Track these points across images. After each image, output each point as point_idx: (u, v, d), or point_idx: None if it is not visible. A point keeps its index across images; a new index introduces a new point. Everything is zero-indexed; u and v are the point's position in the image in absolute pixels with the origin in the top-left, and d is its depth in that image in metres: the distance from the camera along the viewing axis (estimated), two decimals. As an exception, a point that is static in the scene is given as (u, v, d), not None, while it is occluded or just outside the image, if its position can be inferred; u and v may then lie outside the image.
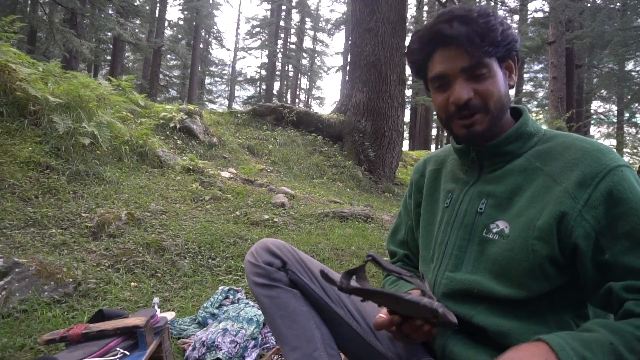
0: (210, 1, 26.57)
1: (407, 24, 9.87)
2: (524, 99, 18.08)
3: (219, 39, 30.26)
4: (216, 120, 7.31)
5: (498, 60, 0.86)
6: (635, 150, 16.80)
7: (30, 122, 3.71)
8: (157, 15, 22.04)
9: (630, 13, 10.30)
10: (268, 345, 1.79)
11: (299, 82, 32.99)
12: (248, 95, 32.06)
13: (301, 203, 4.50)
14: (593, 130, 19.21)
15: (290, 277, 1.03)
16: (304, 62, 31.59)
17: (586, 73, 15.34)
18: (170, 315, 1.69)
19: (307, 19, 30.81)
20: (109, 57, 20.36)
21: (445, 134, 23.73)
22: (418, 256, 1.10)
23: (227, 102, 33.72)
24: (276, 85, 29.26)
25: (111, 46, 19.23)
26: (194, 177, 4.51)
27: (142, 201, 3.47)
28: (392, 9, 7.46)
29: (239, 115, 7.81)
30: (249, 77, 32.64)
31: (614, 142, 17.58)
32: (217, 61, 32.30)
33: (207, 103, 30.45)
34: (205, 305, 2.03)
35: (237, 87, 33.23)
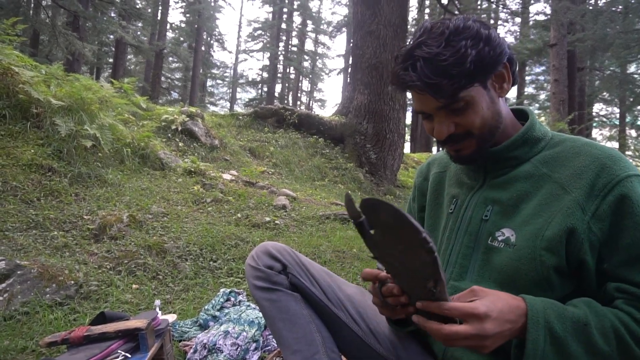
0: (212, 4, 26.66)
1: (409, 27, 9.89)
2: (525, 102, 18.08)
3: (220, 41, 30.36)
4: (218, 122, 7.32)
5: (480, 82, 0.82)
6: (638, 153, 16.76)
7: (33, 125, 3.73)
8: (159, 18, 22.14)
9: (632, 16, 10.30)
10: (269, 347, 1.79)
11: (300, 84, 33.04)
12: (249, 97, 32.16)
13: (302, 205, 4.50)
14: (595, 133, 19.17)
15: (290, 280, 1.03)
16: (306, 64, 31.66)
17: (588, 76, 15.33)
18: (171, 317, 1.69)
19: (309, 22, 30.88)
20: (111, 60, 20.44)
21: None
22: None
23: (228, 104, 33.80)
24: (278, 88, 29.31)
25: (113, 49, 19.30)
26: (195, 179, 4.51)
27: (143, 203, 3.47)
28: (393, 11, 7.48)
29: (240, 117, 7.82)
30: (250, 79, 32.73)
31: (616, 145, 17.52)
32: (218, 63, 32.41)
33: (208, 105, 30.52)
34: (206, 307, 2.03)
35: (238, 89, 33.31)
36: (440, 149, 1.02)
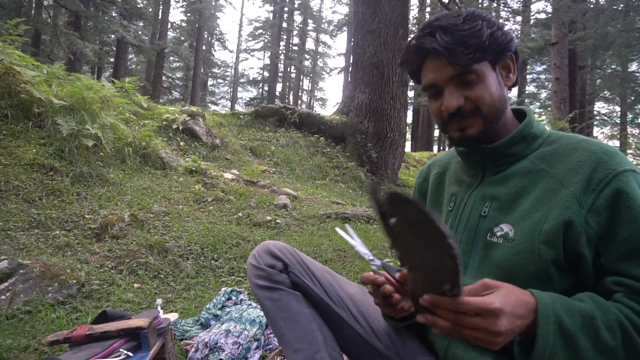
0: (213, 3, 26.65)
1: (410, 25, 9.87)
2: (526, 100, 18.06)
3: (221, 40, 30.34)
4: (219, 121, 7.32)
5: (490, 63, 0.85)
6: (639, 152, 16.72)
7: (35, 124, 3.74)
8: (160, 17, 22.14)
9: (633, 14, 10.27)
10: (271, 346, 1.79)
11: (301, 83, 33.04)
12: (250, 96, 32.14)
13: (304, 204, 4.50)
14: (596, 131, 19.15)
15: (292, 279, 1.04)
16: (307, 63, 31.64)
17: (589, 74, 15.30)
18: (173, 316, 1.69)
19: (310, 21, 30.84)
20: (112, 59, 20.45)
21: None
22: None
23: (229, 103, 33.79)
24: (278, 87, 29.29)
25: (114, 48, 19.31)
26: (196, 178, 4.52)
27: (145, 202, 3.48)
28: (394, 10, 7.47)
29: (241, 116, 7.82)
30: (251, 78, 32.69)
31: (617, 143, 17.50)
32: (219, 63, 32.37)
33: (209, 105, 30.52)
34: (208, 306, 2.03)
35: (239, 88, 33.29)
36: (445, 145, 1.01)
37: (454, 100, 0.85)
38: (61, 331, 1.39)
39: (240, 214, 3.73)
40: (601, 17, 10.02)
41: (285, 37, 29.55)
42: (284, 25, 28.66)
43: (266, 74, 30.26)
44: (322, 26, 30.82)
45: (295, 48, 30.45)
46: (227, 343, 1.65)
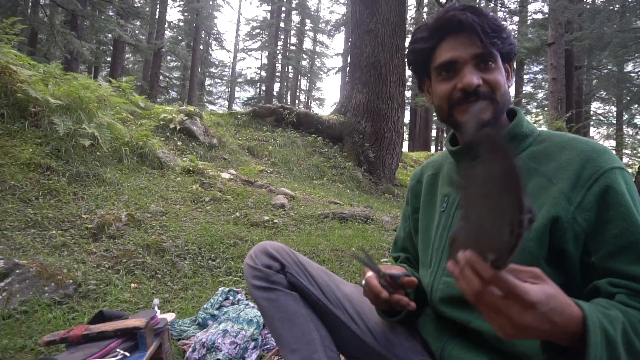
0: (211, 2, 26.60)
1: (407, 25, 9.89)
2: (523, 100, 18.10)
3: (219, 40, 30.28)
4: (216, 121, 7.31)
5: (502, 57, 0.89)
6: (635, 152, 16.80)
7: (31, 124, 3.72)
8: (157, 16, 22.07)
9: (629, 15, 10.32)
10: (268, 346, 1.79)
11: (298, 83, 33.02)
12: (248, 96, 32.09)
13: (301, 204, 4.51)
14: (592, 131, 19.21)
15: (289, 279, 1.04)
16: (304, 63, 31.61)
17: (585, 74, 15.36)
18: (170, 316, 1.69)
19: (307, 21, 30.84)
20: (109, 59, 20.38)
21: (445, 135, 23.70)
22: (418, 260, 1.10)
23: (227, 103, 33.76)
24: (276, 87, 29.30)
25: (111, 48, 19.25)
26: (194, 178, 4.51)
27: (142, 202, 3.47)
28: (391, 10, 7.48)
29: (239, 116, 7.81)
30: (249, 78, 32.65)
31: (613, 143, 17.58)
32: (217, 62, 32.32)
33: (207, 104, 30.47)
34: (205, 306, 2.03)
35: (237, 88, 33.24)
36: (442, 145, 1.00)
37: (474, 77, 0.85)
38: (58, 331, 1.38)
39: (237, 214, 3.72)
40: (597, 17, 10.06)
41: (282, 36, 29.53)
42: (282, 25, 28.65)
43: (264, 73, 30.22)
44: (320, 26, 30.81)
45: (293, 48, 30.44)
46: (224, 343, 1.65)
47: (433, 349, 0.95)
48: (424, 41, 0.90)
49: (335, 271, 2.78)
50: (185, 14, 24.83)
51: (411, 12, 17.34)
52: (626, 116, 17.30)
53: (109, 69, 19.93)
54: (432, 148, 21.91)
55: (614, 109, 18.93)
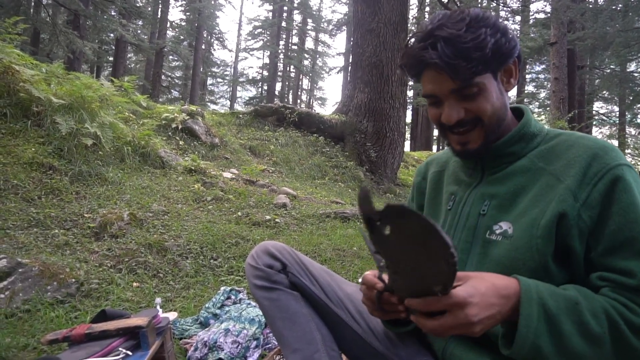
0: (212, 2, 26.61)
1: (409, 25, 9.88)
2: (525, 100, 18.07)
3: (220, 40, 30.30)
4: (218, 121, 7.32)
5: (492, 72, 0.84)
6: (637, 151, 16.74)
7: (34, 123, 3.73)
8: (159, 16, 22.11)
9: (632, 14, 10.29)
10: (270, 345, 1.80)
11: (300, 82, 33.01)
12: (250, 96, 32.08)
13: (303, 204, 4.51)
14: (595, 131, 19.15)
15: (290, 279, 1.04)
16: (306, 62, 31.59)
17: (588, 74, 15.32)
18: (172, 315, 1.70)
19: (309, 20, 30.81)
20: (111, 58, 20.41)
21: (447, 135, 23.58)
22: None
23: (229, 102, 33.76)
24: (278, 86, 29.27)
25: (113, 47, 19.27)
26: (196, 177, 4.52)
27: (144, 202, 3.48)
28: (393, 9, 7.47)
29: (240, 116, 7.82)
30: (250, 77, 32.64)
31: (615, 143, 17.52)
32: (219, 62, 32.35)
33: (209, 104, 30.50)
34: (207, 305, 2.04)
35: (239, 88, 33.25)
36: (444, 145, 1.00)
37: (454, 113, 0.84)
38: (60, 330, 1.39)
39: (239, 213, 3.73)
40: (600, 17, 10.03)
41: (284, 36, 29.52)
42: (283, 24, 28.63)
43: (265, 73, 30.22)
44: (322, 25, 30.79)
45: (295, 47, 30.42)
46: (226, 342, 1.65)
47: (435, 349, 0.95)
48: (408, 69, 0.88)
49: (337, 271, 2.79)
50: (187, 13, 24.85)
51: (413, 12, 17.32)
52: (629, 116, 17.26)
53: (111, 69, 19.97)
54: (434, 147, 21.86)
55: (616, 108, 18.86)
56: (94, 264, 2.45)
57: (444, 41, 0.78)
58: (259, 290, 1.03)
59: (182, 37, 25.24)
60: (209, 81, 32.12)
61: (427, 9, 17.84)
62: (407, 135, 19.83)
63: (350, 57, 9.03)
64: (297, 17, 30.60)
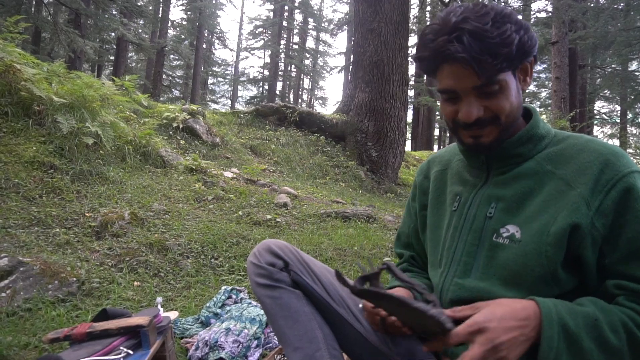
0: (214, 1, 26.61)
1: (410, 24, 9.87)
2: (527, 99, 18.05)
3: (222, 39, 30.30)
4: (219, 120, 7.32)
5: (512, 70, 0.81)
6: (639, 151, 16.72)
7: (35, 122, 3.73)
8: (160, 15, 22.12)
9: (633, 13, 10.27)
10: (271, 345, 1.80)
11: (301, 82, 33.01)
12: (251, 95, 32.12)
13: (304, 203, 4.51)
14: (596, 130, 19.15)
15: (292, 277, 1.04)
16: (307, 62, 31.60)
17: (589, 73, 15.29)
18: (173, 314, 1.70)
19: (310, 19, 30.80)
20: (112, 58, 20.43)
21: (448, 134, 23.65)
22: (424, 257, 1.09)
23: (229, 102, 33.76)
24: (279, 86, 29.27)
25: (115, 46, 19.29)
26: (196, 177, 4.52)
27: (145, 201, 3.48)
28: (394, 9, 7.46)
29: (241, 115, 7.82)
30: (251, 77, 32.67)
31: (617, 142, 17.51)
32: (220, 61, 32.34)
33: (209, 103, 30.51)
34: (208, 304, 2.04)
35: (239, 87, 33.27)
36: (445, 144, 0.99)
37: (474, 110, 0.81)
38: (61, 329, 1.39)
39: (240, 213, 3.73)
40: (601, 16, 10.01)
41: (285, 35, 29.51)
42: (285, 23, 28.62)
43: (266, 72, 30.24)
44: (323, 25, 30.78)
45: (296, 47, 30.41)
46: (227, 341, 1.65)
47: (436, 348, 0.95)
48: (424, 62, 0.84)
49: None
50: (189, 12, 24.86)
51: (414, 11, 17.32)
52: (630, 115, 17.23)
53: (112, 68, 20.00)
54: (435, 147, 21.85)
55: (618, 107, 18.86)
56: (95, 263, 2.45)
57: (470, 35, 0.75)
58: (261, 288, 1.02)
59: (183, 37, 25.24)
60: (210, 80, 32.13)
61: (428, 8, 17.83)
62: (408, 135, 19.81)
63: (351, 56, 9.02)
64: (298, 17, 30.60)
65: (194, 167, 4.69)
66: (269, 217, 3.68)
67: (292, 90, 31.71)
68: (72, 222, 2.88)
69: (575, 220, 0.76)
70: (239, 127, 7.41)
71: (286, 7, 28.47)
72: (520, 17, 0.82)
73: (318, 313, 1.02)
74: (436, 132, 23.26)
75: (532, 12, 14.43)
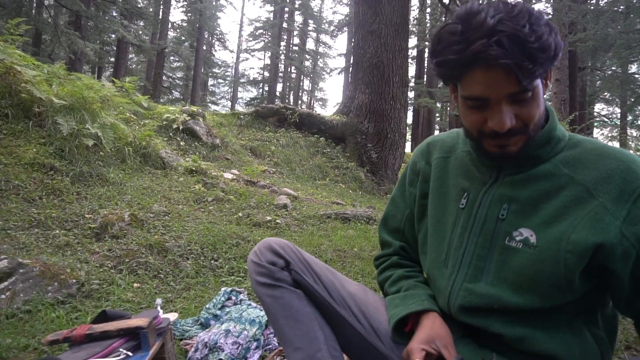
0: (214, 3, 26.66)
1: (410, 26, 9.88)
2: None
3: (222, 40, 30.35)
4: (219, 121, 7.33)
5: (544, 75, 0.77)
6: (639, 153, 16.72)
7: (35, 124, 3.73)
8: (160, 17, 22.16)
9: (633, 16, 10.29)
10: (270, 346, 1.79)
11: (301, 83, 33.04)
12: (251, 96, 32.11)
13: (304, 204, 4.50)
14: (596, 132, 19.14)
15: (293, 277, 1.02)
16: (307, 63, 31.62)
17: (589, 75, 15.32)
18: (172, 316, 1.69)
19: (310, 21, 30.84)
20: (112, 59, 20.46)
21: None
22: (415, 247, 1.06)
23: (229, 103, 33.78)
24: (279, 87, 29.28)
25: (115, 48, 19.32)
26: (196, 178, 4.52)
27: (145, 202, 3.48)
28: (394, 11, 7.47)
29: (241, 116, 7.83)
30: (251, 78, 32.68)
31: (617, 144, 17.51)
32: (220, 63, 32.39)
33: (210, 104, 30.52)
34: (207, 306, 2.03)
35: (239, 88, 33.28)
36: (474, 144, 0.87)
37: (507, 120, 0.75)
38: (61, 330, 1.38)
39: (240, 214, 3.73)
40: (601, 18, 10.03)
41: (285, 37, 29.54)
42: (285, 25, 28.65)
43: (266, 74, 30.26)
44: (323, 26, 30.82)
45: (296, 48, 30.44)
46: (226, 343, 1.65)
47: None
48: (451, 65, 0.76)
49: (338, 271, 2.78)
50: (189, 14, 24.89)
51: (414, 13, 17.33)
52: (630, 117, 17.24)
53: (112, 69, 20.02)
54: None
55: (617, 110, 18.88)
56: (95, 264, 2.45)
57: (509, 38, 0.69)
58: (262, 287, 1.01)
59: (183, 38, 25.27)
60: (210, 82, 32.16)
61: (428, 10, 17.85)
62: (408, 137, 19.81)
63: (351, 58, 9.04)
64: (298, 18, 30.64)
65: (194, 168, 4.69)
66: (268, 218, 3.68)
67: (292, 92, 31.73)
68: (72, 224, 2.88)
69: (602, 240, 0.74)
70: (239, 129, 7.42)
71: (286, 9, 28.51)
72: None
73: (319, 313, 1.01)
74: (436, 133, 23.28)
75: (531, 14, 14.44)
